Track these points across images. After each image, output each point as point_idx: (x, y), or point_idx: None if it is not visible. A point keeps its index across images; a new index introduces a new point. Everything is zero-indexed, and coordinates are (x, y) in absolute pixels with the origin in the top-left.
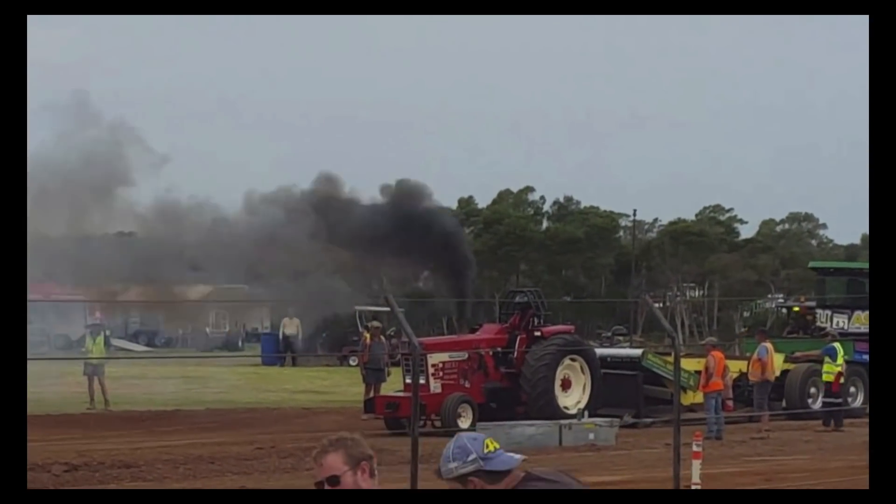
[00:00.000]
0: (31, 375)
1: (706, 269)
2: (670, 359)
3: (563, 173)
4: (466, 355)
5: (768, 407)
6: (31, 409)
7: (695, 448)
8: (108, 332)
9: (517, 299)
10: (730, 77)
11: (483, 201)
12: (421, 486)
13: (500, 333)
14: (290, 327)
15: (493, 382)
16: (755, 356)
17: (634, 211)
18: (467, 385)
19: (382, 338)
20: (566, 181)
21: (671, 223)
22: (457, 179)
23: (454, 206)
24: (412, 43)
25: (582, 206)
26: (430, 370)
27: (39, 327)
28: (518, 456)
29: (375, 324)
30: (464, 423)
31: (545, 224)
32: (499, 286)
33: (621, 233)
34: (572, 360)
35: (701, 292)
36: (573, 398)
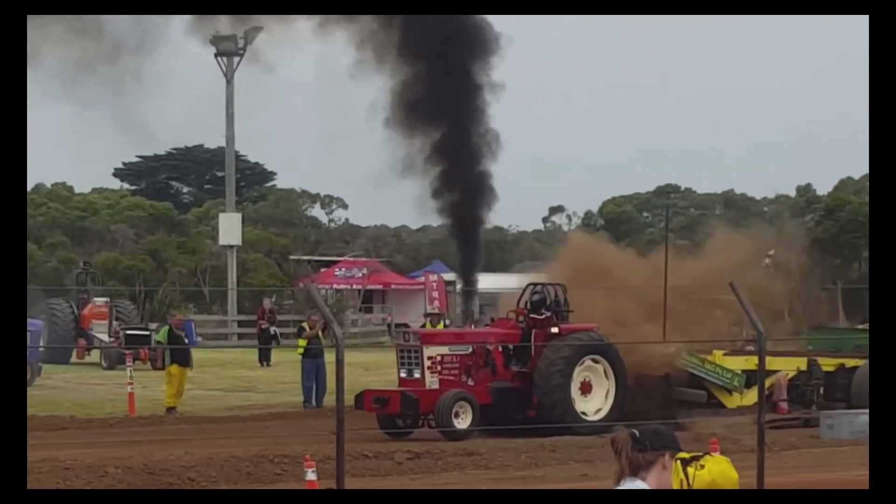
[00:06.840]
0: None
1: None
2: (710, 357)
3: None
4: (470, 349)
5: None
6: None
7: None
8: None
9: (534, 294)
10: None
11: (822, 189)
12: None
13: (513, 328)
14: None
15: (501, 382)
16: None
17: None
18: (470, 382)
19: None
20: None
21: None
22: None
23: (792, 193)
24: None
25: None
26: (427, 363)
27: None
28: None
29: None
30: (461, 423)
31: None
32: (841, 274)
33: None
34: (594, 361)
35: None
36: (594, 403)
